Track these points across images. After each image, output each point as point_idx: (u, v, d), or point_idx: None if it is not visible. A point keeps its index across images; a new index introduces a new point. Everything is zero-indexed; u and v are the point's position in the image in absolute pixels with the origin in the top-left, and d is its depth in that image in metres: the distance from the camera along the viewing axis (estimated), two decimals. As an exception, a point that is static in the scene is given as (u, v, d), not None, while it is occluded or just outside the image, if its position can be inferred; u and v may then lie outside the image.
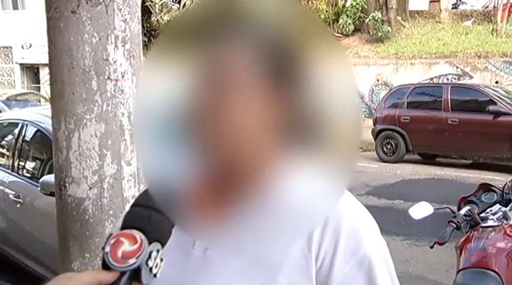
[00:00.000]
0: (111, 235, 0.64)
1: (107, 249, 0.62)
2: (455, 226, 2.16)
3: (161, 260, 0.64)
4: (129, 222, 0.67)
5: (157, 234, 0.65)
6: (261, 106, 0.60)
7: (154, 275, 0.63)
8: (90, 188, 1.63)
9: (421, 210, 2.33)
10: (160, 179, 0.63)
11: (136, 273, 0.62)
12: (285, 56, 0.58)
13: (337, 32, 15.73)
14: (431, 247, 2.20)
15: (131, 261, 0.62)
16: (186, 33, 0.60)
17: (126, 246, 0.63)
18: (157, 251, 0.64)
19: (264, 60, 0.58)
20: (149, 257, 0.63)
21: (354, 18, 15.36)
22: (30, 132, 3.95)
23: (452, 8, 16.29)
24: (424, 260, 4.28)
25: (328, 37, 0.60)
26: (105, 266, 0.62)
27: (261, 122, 0.60)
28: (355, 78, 0.62)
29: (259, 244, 0.62)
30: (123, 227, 0.66)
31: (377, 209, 6.00)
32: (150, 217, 0.66)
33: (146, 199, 0.68)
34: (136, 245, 0.63)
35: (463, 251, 2.11)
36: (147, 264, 0.62)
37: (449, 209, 2.36)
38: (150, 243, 0.64)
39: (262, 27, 0.58)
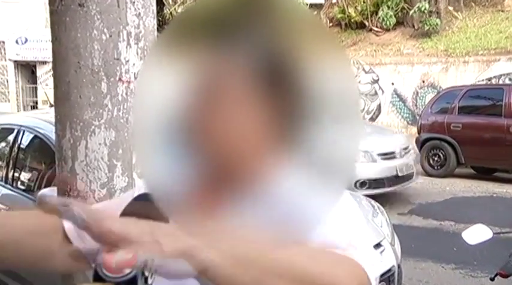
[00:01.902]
0: None
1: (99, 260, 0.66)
2: (522, 254, 2.12)
3: (155, 270, 0.68)
4: None
5: None
6: (255, 111, 0.69)
7: None
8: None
9: (477, 234, 2.31)
10: (161, 183, 0.71)
11: (131, 284, 0.66)
12: (283, 63, 0.67)
13: (376, 26, 15.68)
14: (492, 279, 2.16)
15: (127, 270, 0.65)
16: (187, 33, 0.68)
17: (120, 255, 0.66)
18: (152, 259, 0.67)
19: (261, 66, 0.67)
20: (145, 265, 0.66)
21: (395, 10, 15.28)
22: (26, 139, 4.04)
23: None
24: (481, 294, 4.21)
25: (330, 42, 0.69)
26: (98, 279, 0.66)
27: (254, 127, 0.70)
28: (356, 83, 0.71)
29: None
30: None
31: (422, 230, 5.93)
32: None
33: (135, 207, 0.75)
34: (131, 254, 0.66)
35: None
36: (143, 274, 0.66)
37: (513, 233, 2.33)
38: None
39: (261, 34, 0.66)
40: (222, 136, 0.68)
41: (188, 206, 0.70)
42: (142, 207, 0.72)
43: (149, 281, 0.67)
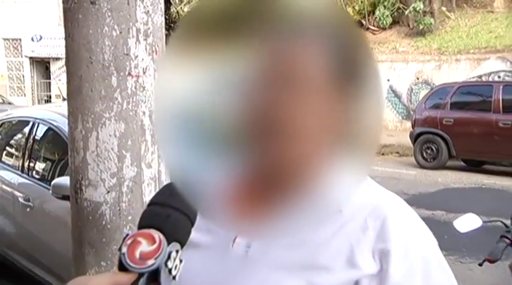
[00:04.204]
0: (127, 235, 0.66)
1: (124, 249, 0.64)
2: (509, 242, 2.12)
3: (180, 261, 0.67)
4: (147, 221, 0.68)
5: (177, 234, 0.67)
6: (323, 108, 0.60)
7: (173, 277, 0.65)
8: (108, 192, 1.67)
9: (467, 222, 2.30)
10: (194, 180, 0.64)
11: (154, 275, 0.64)
12: (348, 57, 0.59)
13: (373, 25, 15.62)
14: (480, 265, 2.17)
15: (150, 262, 0.63)
16: (229, 19, 0.58)
17: (144, 246, 0.64)
18: (177, 251, 0.66)
19: (330, 59, 0.59)
20: (168, 257, 0.65)
21: (392, 10, 15.22)
22: (41, 131, 4.04)
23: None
24: (470, 279, 4.20)
25: (367, 42, 0.63)
26: (122, 268, 0.64)
27: (320, 125, 0.60)
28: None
29: (300, 231, 0.68)
30: (140, 227, 0.68)
31: (416, 221, 5.92)
32: (168, 216, 0.68)
33: (164, 197, 0.71)
34: (155, 245, 0.64)
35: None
36: (166, 266, 0.64)
37: (502, 222, 2.32)
38: (169, 243, 0.65)
39: (326, 21, 0.58)
40: (282, 136, 0.59)
41: (228, 204, 0.63)
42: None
43: (173, 273, 0.65)
